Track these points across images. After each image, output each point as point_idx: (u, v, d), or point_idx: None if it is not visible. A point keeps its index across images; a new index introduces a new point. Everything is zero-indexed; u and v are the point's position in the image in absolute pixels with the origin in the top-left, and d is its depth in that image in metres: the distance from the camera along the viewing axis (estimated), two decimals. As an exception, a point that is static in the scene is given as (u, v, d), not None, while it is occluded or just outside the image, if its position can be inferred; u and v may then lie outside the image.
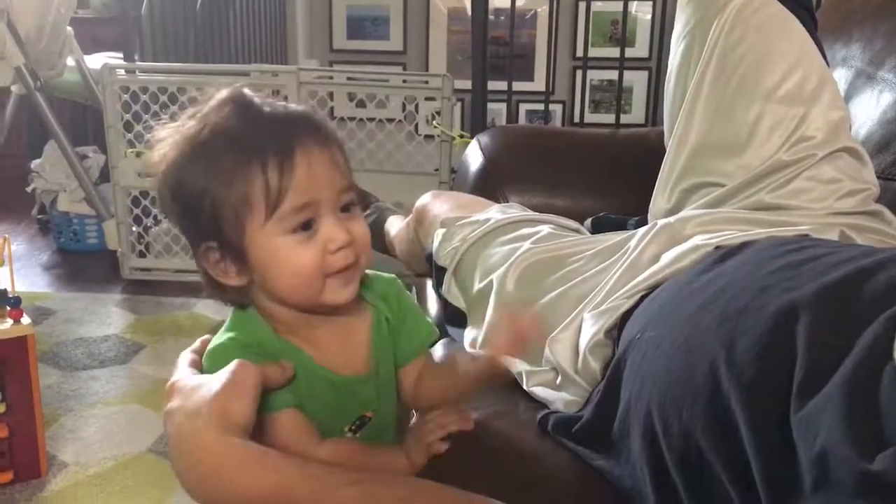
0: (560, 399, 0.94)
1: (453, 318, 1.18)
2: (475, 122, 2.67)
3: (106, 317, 2.48)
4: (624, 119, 2.99)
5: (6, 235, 1.70)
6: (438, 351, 1.14)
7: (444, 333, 1.22)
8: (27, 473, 1.64)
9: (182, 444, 0.68)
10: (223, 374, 0.70)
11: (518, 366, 1.02)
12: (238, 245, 0.72)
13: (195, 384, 0.71)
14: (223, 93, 0.75)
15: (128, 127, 2.64)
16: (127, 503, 1.59)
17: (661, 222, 1.04)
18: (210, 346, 0.76)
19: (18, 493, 1.61)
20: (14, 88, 2.81)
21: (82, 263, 2.94)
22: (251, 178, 0.70)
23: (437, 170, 2.57)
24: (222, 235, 0.72)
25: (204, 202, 0.71)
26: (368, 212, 1.90)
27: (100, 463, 1.73)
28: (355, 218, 0.75)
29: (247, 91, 0.75)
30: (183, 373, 0.75)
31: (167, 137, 0.75)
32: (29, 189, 3.07)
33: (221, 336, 0.77)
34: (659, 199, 1.18)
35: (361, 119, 2.61)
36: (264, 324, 0.76)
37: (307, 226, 0.71)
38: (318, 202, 0.71)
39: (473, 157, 1.67)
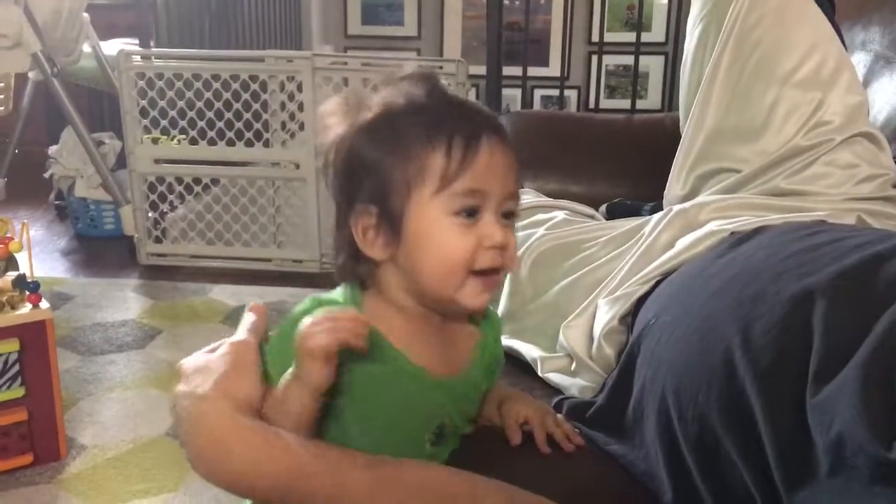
0: (574, 385, 0.94)
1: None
2: (490, 108, 2.66)
3: (123, 302, 2.50)
4: (639, 105, 2.97)
5: (25, 221, 1.71)
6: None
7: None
8: (47, 456, 1.66)
9: (191, 427, 0.68)
10: (224, 354, 0.71)
11: (533, 352, 1.02)
12: (399, 212, 0.69)
13: (198, 366, 0.71)
14: (414, 70, 0.74)
15: (143, 113, 2.65)
16: (145, 485, 1.61)
17: (676, 208, 1.04)
18: (294, 313, 0.73)
19: (38, 476, 1.63)
20: (31, 75, 2.83)
21: (100, 249, 2.97)
22: (434, 148, 0.68)
23: (451, 156, 2.56)
24: (386, 200, 0.69)
25: (380, 165, 0.69)
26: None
27: (118, 446, 1.75)
28: (511, 228, 0.72)
29: (435, 74, 0.75)
30: (240, 334, 0.75)
31: (339, 110, 0.74)
32: (46, 175, 3.10)
33: (330, 298, 0.75)
34: (674, 185, 1.18)
35: (376, 104, 2.61)
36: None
37: (471, 213, 0.69)
38: (488, 194, 0.69)
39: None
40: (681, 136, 1.20)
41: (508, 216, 0.72)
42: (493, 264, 0.70)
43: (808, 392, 0.56)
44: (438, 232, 0.69)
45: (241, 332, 0.75)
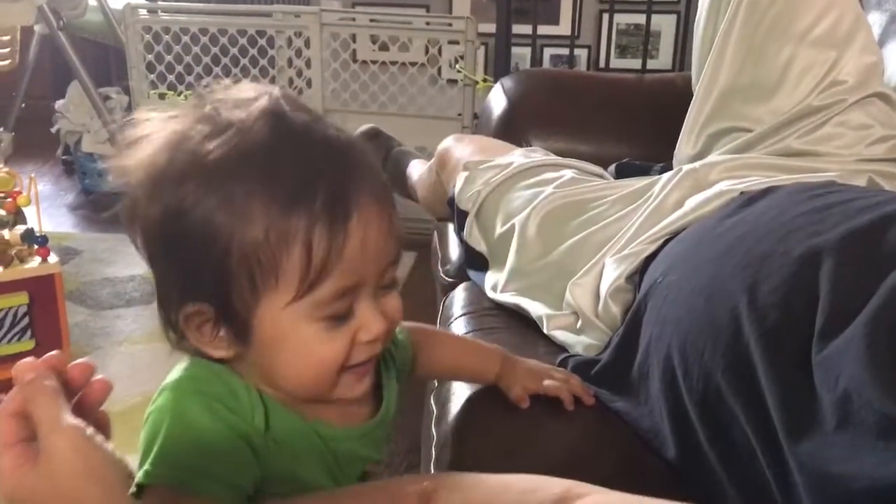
0: (580, 343, 0.94)
1: (474, 262, 1.19)
2: (499, 67, 2.64)
3: (131, 257, 2.49)
4: (651, 64, 2.93)
5: (32, 175, 1.71)
6: (458, 303, 1.15)
7: (465, 277, 1.23)
8: (57, 408, 1.68)
9: None
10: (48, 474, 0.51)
11: (539, 310, 1.02)
12: (244, 317, 0.54)
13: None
14: (253, 97, 0.57)
15: (150, 67, 2.64)
16: (153, 438, 1.63)
17: (686, 168, 1.03)
18: (168, 384, 0.58)
19: (49, 427, 1.66)
20: (37, 28, 2.80)
21: (107, 204, 2.97)
22: (288, 240, 0.52)
23: (459, 114, 2.55)
24: (224, 301, 0.54)
25: (211, 251, 0.52)
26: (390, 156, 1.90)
27: (126, 399, 1.76)
28: (393, 294, 0.58)
29: (285, 103, 0.57)
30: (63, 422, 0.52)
31: (159, 134, 0.56)
32: (53, 130, 3.09)
33: (176, 390, 0.58)
34: (685, 145, 1.17)
35: (384, 62, 2.59)
36: (243, 385, 0.58)
37: (342, 315, 0.55)
38: (363, 284, 0.55)
39: (497, 101, 1.66)
40: (692, 96, 1.19)
41: (388, 285, 0.58)
42: (372, 355, 0.58)
43: (814, 349, 0.57)
44: (300, 340, 0.54)
45: (52, 419, 0.52)
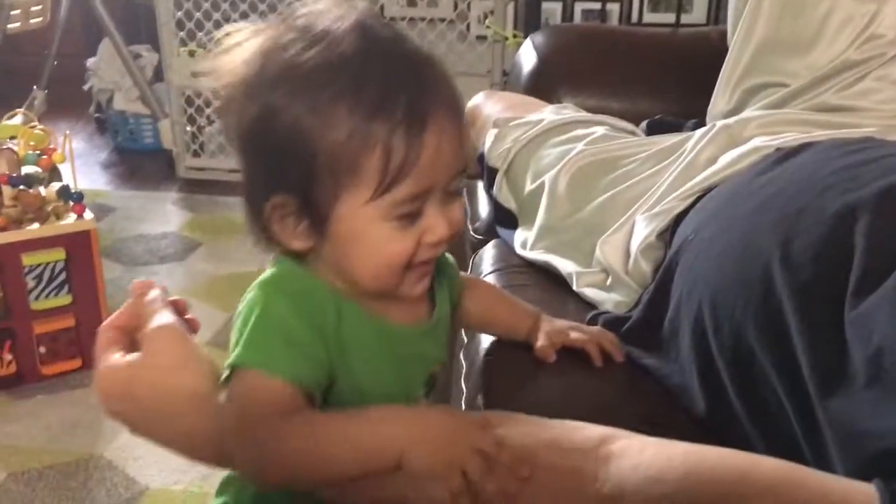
0: (610, 300, 0.94)
1: (504, 219, 1.19)
2: (529, 22, 2.61)
3: (164, 215, 2.55)
4: (684, 19, 2.88)
5: (67, 132, 1.73)
6: (488, 260, 1.15)
7: (494, 235, 1.23)
8: (95, 361, 1.72)
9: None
10: (149, 355, 0.64)
11: (568, 267, 1.02)
12: (324, 212, 0.59)
13: (122, 393, 0.66)
14: (341, 12, 0.60)
15: (180, 25, 2.64)
16: (188, 391, 1.67)
17: (719, 124, 1.02)
18: (257, 283, 0.63)
19: (87, 379, 1.70)
20: (68, -14, 2.81)
21: (139, 162, 3.00)
22: (370, 143, 0.56)
23: (489, 71, 2.53)
24: (309, 195, 0.58)
25: (299, 149, 0.57)
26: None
27: (162, 353, 1.80)
28: (458, 202, 0.62)
29: (373, 19, 0.60)
30: (160, 320, 0.66)
31: (251, 42, 0.61)
32: (85, 88, 3.11)
33: (266, 288, 0.62)
34: (719, 100, 1.15)
35: (412, 18, 2.57)
36: (320, 283, 0.63)
37: (412, 215, 0.59)
38: (434, 188, 0.59)
39: (527, 57, 1.64)
40: (727, 51, 1.16)
41: (454, 192, 0.62)
42: (433, 255, 0.62)
43: (847, 305, 0.56)
44: (373, 238, 0.59)
45: (159, 318, 0.66)
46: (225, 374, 0.60)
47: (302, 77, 0.57)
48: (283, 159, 0.58)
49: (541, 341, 0.81)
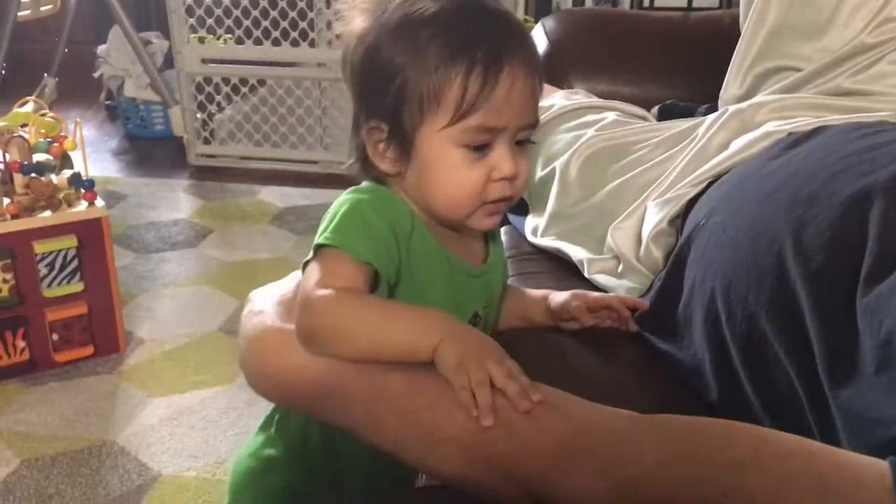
0: (621, 286, 0.94)
1: (515, 205, 1.18)
2: (540, 6, 2.59)
3: (175, 202, 2.55)
4: (696, 2, 2.85)
5: (78, 119, 1.74)
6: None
7: (505, 221, 1.23)
8: (107, 348, 1.74)
9: (243, 340, 0.71)
10: (285, 282, 0.75)
11: (580, 254, 1.02)
12: (409, 134, 0.68)
13: (264, 293, 0.75)
14: None
15: (190, 11, 2.64)
16: (201, 377, 1.67)
17: (731, 108, 1.01)
18: (344, 198, 0.72)
19: (100, 366, 1.71)
20: (77, -27, 2.81)
21: (150, 149, 3.00)
22: (451, 76, 0.66)
23: (499, 56, 2.51)
24: (398, 120, 0.68)
25: (394, 80, 0.67)
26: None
27: (174, 340, 1.81)
28: (525, 154, 0.71)
29: None
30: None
31: (363, 3, 0.71)
32: (96, 75, 3.12)
33: (355, 193, 0.72)
34: (731, 85, 1.14)
35: (423, 3, 2.56)
36: (400, 201, 0.73)
37: (481, 147, 0.68)
38: (502, 129, 0.68)
39: (537, 41, 1.63)
40: (739, 34, 1.15)
41: (522, 142, 0.70)
42: (502, 195, 0.70)
43: (859, 291, 0.56)
44: (448, 163, 0.68)
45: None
46: (309, 255, 0.69)
47: (403, 22, 0.68)
48: (380, 88, 0.68)
49: (571, 301, 0.83)
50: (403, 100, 0.67)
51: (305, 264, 0.69)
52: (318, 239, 0.68)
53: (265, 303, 0.72)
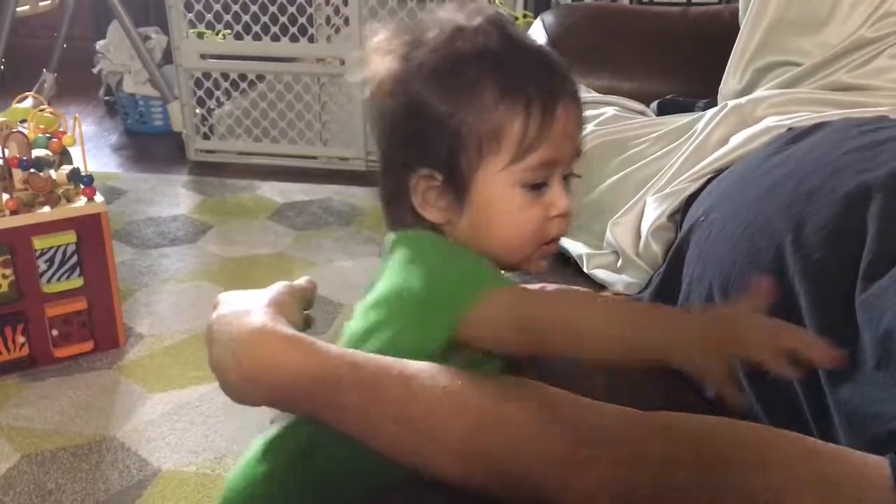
0: (620, 281, 0.94)
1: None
2: (539, 1, 2.58)
3: (174, 197, 2.55)
4: (696, -3, 2.84)
5: (76, 115, 1.73)
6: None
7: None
8: (107, 343, 1.74)
9: (235, 344, 0.65)
10: (270, 288, 0.69)
11: (579, 249, 1.02)
12: (466, 180, 0.65)
13: (238, 296, 0.69)
14: (475, 11, 0.68)
15: (188, 7, 2.63)
16: (200, 373, 1.67)
17: (731, 103, 1.01)
18: (428, 243, 0.68)
19: (99, 362, 1.71)
20: (76, -32, 2.81)
21: (149, 145, 3.00)
22: (511, 113, 0.64)
23: (499, 51, 2.51)
24: (455, 166, 0.65)
25: (447, 125, 0.64)
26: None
27: (174, 335, 1.81)
28: (572, 189, 0.69)
29: (504, 17, 0.69)
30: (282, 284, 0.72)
31: (393, 40, 0.68)
32: (95, 70, 3.11)
33: (406, 235, 0.69)
34: (730, 79, 1.14)
35: (422, -2, 2.55)
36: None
37: (538, 186, 0.66)
38: (559, 163, 0.66)
39: (537, 37, 1.63)
40: (739, 29, 1.15)
41: (568, 177, 0.68)
42: (560, 233, 0.68)
43: (858, 287, 0.56)
44: (507, 205, 0.66)
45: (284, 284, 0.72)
46: (451, 316, 0.62)
47: (445, 63, 0.65)
48: (431, 136, 0.65)
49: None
50: (460, 144, 0.65)
51: (455, 318, 0.62)
52: (457, 299, 0.63)
53: (250, 304, 0.67)
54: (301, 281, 0.73)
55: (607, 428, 0.56)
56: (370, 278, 0.73)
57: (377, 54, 0.68)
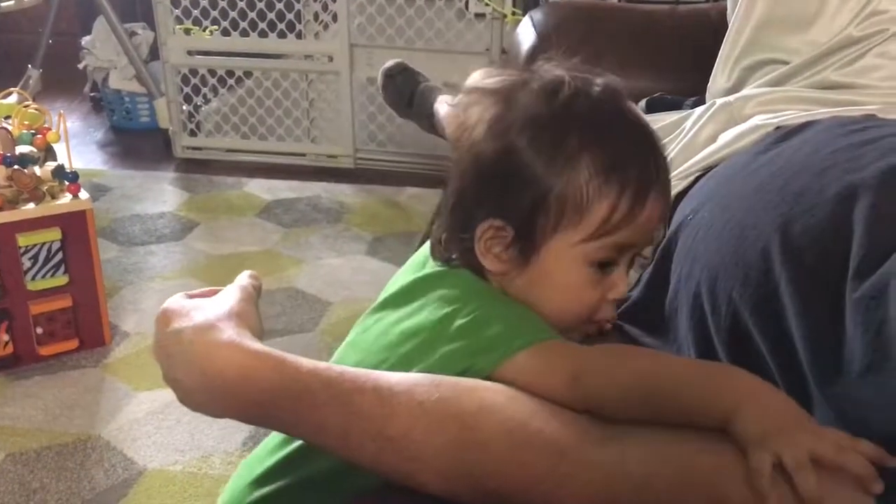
0: (608, 280, 0.94)
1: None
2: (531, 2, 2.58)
3: (160, 194, 2.53)
4: (684, -5, 2.85)
5: (61, 111, 1.72)
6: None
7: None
8: (92, 341, 1.72)
9: (195, 357, 0.60)
10: (226, 293, 0.66)
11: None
12: (537, 243, 0.65)
13: (189, 305, 0.64)
14: (596, 76, 0.67)
15: (175, 2, 2.61)
16: (186, 371, 1.66)
17: (719, 101, 1.01)
18: (471, 289, 0.67)
19: (85, 360, 1.70)
20: (61, -37, 2.78)
21: (135, 141, 2.98)
22: (602, 194, 0.63)
23: (487, 49, 2.50)
24: (529, 224, 0.64)
25: (535, 186, 0.63)
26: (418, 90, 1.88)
27: (159, 333, 1.80)
28: (629, 276, 0.69)
29: (618, 84, 0.67)
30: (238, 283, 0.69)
31: (495, 84, 0.67)
32: (81, 66, 3.09)
33: (475, 285, 0.67)
34: (719, 77, 1.14)
35: (411, -5, 2.54)
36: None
37: (606, 265, 0.66)
38: (633, 247, 0.66)
39: (525, 35, 1.62)
40: (727, 27, 1.15)
41: (632, 262, 0.68)
42: (608, 317, 0.69)
43: (849, 288, 0.56)
44: (571, 279, 0.65)
45: (238, 283, 0.69)
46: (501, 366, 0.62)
47: (547, 121, 0.64)
48: (515, 190, 0.64)
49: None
50: (543, 207, 0.64)
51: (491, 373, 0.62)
52: (508, 350, 0.62)
53: (209, 317, 0.62)
54: (245, 280, 0.70)
55: (586, 451, 0.56)
56: (386, 288, 0.73)
57: (473, 94, 0.68)
